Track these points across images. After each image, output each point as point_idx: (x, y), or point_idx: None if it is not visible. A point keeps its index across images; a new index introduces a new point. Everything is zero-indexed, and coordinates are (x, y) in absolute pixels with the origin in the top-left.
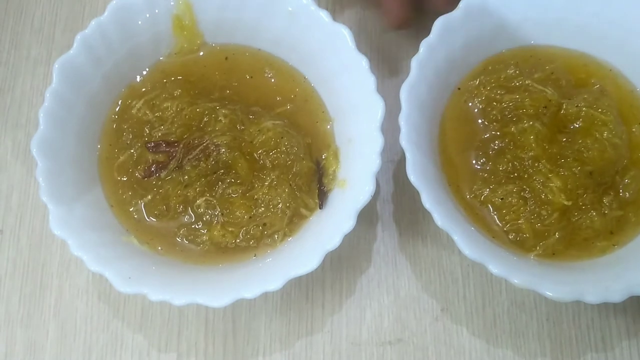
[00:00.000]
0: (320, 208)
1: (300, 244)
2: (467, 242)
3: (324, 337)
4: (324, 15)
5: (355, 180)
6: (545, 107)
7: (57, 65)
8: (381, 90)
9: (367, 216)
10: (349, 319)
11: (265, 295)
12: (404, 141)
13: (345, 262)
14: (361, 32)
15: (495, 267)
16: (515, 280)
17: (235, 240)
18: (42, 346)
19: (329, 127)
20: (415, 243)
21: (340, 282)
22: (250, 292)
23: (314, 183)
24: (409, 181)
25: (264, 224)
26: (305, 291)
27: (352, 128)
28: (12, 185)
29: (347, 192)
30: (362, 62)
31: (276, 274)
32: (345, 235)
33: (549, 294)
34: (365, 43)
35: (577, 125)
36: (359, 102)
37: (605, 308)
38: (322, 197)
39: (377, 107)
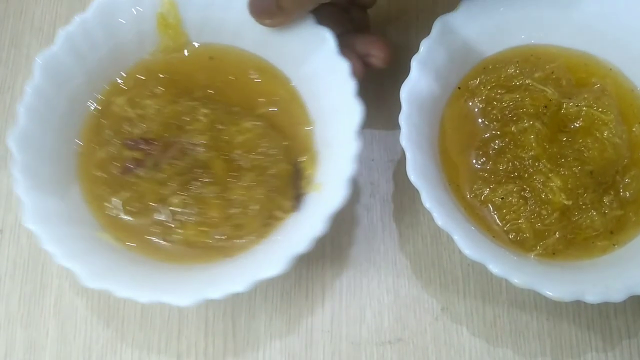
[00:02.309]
0: (294, 211)
1: (273, 247)
2: (467, 241)
3: (323, 336)
4: (308, 18)
5: (331, 185)
6: (546, 106)
7: (39, 61)
8: (382, 89)
9: (367, 216)
10: (348, 319)
11: (265, 295)
12: (404, 141)
13: (345, 261)
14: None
15: (496, 267)
16: (516, 280)
17: (209, 240)
18: (42, 346)
19: (309, 130)
20: (415, 242)
21: (340, 281)
22: (217, 292)
23: (291, 186)
24: (409, 181)
25: (238, 225)
26: (305, 290)
27: (331, 132)
28: (12, 185)
29: (322, 196)
30: (344, 67)
31: (244, 276)
32: (318, 239)
33: (549, 293)
34: None
35: (578, 125)
36: (339, 107)
37: (606, 308)
38: (297, 200)
39: (356, 112)
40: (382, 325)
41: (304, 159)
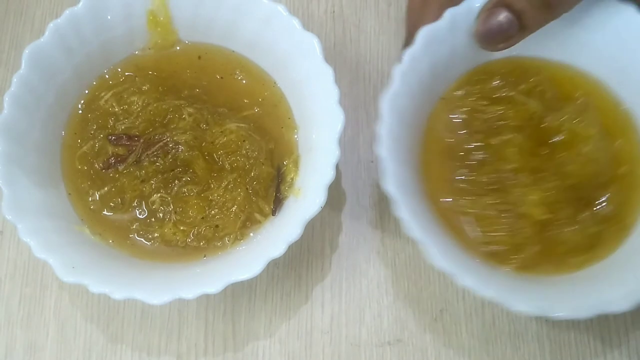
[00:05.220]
0: (272, 215)
1: (249, 249)
2: (441, 253)
3: (323, 337)
4: (295, 23)
5: (309, 190)
6: (529, 119)
7: (27, 51)
8: (382, 92)
9: (367, 217)
10: (348, 320)
11: (265, 296)
12: (384, 151)
13: (344, 263)
14: (361, 33)
15: (467, 279)
16: (486, 294)
17: (186, 240)
18: (42, 347)
19: (294, 134)
20: (415, 244)
21: (340, 282)
22: (190, 292)
23: (272, 189)
24: None
25: (216, 226)
26: (305, 292)
27: (314, 137)
28: None
29: (299, 201)
30: (328, 73)
31: (218, 277)
32: (293, 244)
33: (519, 309)
34: (365, 43)
35: (559, 139)
36: (322, 113)
37: None
38: (277, 203)
39: (337, 120)
40: (381, 326)
41: (287, 163)
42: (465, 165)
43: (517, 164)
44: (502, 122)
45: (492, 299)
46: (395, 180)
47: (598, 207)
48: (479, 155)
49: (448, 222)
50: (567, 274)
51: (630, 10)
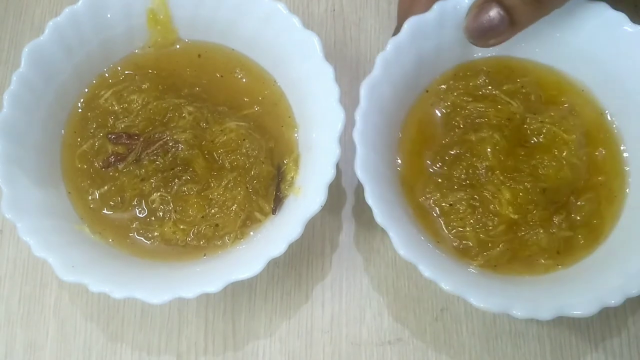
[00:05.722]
0: (273, 214)
1: (249, 248)
2: (403, 241)
3: (323, 336)
4: (295, 21)
5: (310, 189)
6: (509, 119)
7: (26, 50)
8: None
9: (367, 216)
10: (348, 319)
11: (265, 295)
12: (358, 136)
13: (345, 262)
14: (361, 31)
15: (427, 270)
16: (444, 286)
17: (186, 239)
18: (42, 346)
19: (294, 132)
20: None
21: (340, 281)
22: (190, 291)
23: (272, 188)
24: None
25: (216, 225)
26: (305, 291)
27: (314, 136)
28: None
29: (300, 200)
30: (329, 72)
31: (218, 276)
32: (293, 243)
33: (475, 303)
34: (365, 42)
35: (538, 141)
36: (322, 111)
37: (605, 308)
38: (277, 202)
39: (337, 119)
40: (382, 325)
41: (287, 162)
42: (441, 159)
43: (492, 162)
44: (482, 120)
45: (452, 293)
46: (365, 166)
47: (571, 212)
48: (455, 151)
49: (421, 214)
50: (536, 276)
51: (621, 18)
